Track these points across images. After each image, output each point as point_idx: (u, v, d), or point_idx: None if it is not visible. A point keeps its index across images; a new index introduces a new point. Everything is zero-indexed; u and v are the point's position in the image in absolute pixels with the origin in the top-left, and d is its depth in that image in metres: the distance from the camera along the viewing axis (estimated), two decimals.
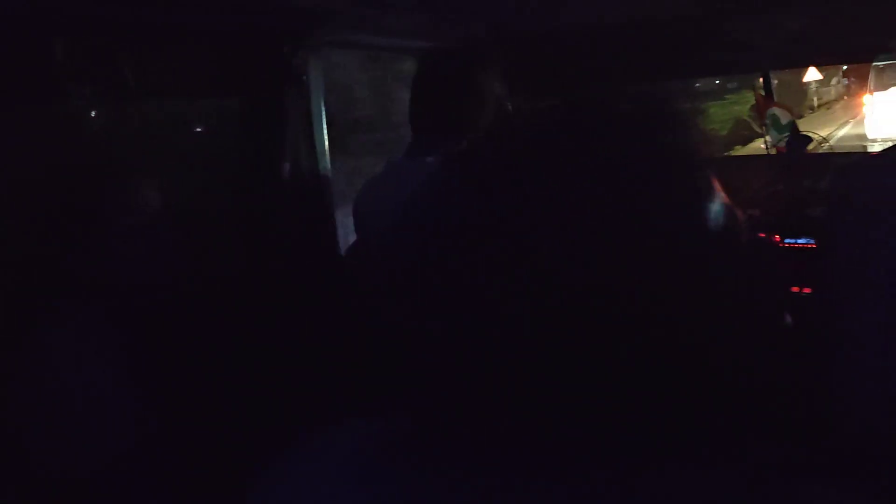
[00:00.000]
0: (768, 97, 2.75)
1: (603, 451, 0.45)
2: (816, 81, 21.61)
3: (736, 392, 0.47)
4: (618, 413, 0.44)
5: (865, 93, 12.33)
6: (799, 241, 2.25)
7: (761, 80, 2.80)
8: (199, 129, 2.16)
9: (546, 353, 0.44)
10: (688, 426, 0.46)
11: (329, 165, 1.92)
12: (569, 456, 0.45)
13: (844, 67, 19.11)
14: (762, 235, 2.28)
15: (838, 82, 25.56)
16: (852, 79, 24.38)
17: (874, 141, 11.13)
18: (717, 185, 0.51)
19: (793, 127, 2.63)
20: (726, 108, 14.38)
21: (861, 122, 13.13)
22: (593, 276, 0.43)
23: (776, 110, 2.65)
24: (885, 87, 11.59)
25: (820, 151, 2.78)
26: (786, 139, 2.61)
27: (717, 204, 0.49)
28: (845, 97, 24.56)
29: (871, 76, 11.84)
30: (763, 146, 2.78)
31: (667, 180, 0.47)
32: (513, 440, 0.46)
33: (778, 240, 2.29)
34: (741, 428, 0.48)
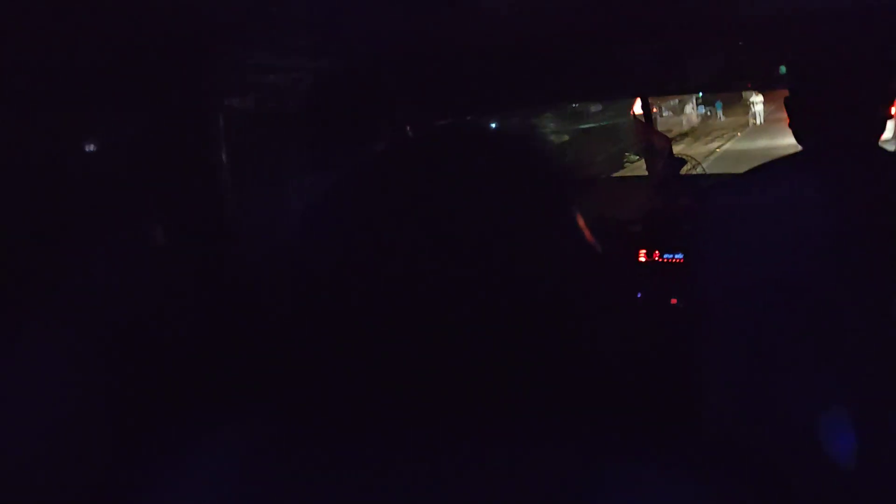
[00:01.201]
0: (647, 122, 2.95)
1: (471, 442, 0.50)
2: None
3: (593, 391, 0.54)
4: (483, 405, 0.50)
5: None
6: (676, 256, 2.44)
7: (639, 104, 2.99)
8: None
9: (410, 354, 0.49)
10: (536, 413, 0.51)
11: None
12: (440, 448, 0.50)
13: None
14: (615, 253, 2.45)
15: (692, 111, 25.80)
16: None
17: None
18: (567, 208, 0.56)
19: (667, 151, 2.82)
20: (610, 131, 15.04)
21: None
22: (455, 288, 0.48)
23: (653, 136, 2.85)
24: None
25: (693, 173, 3.01)
26: (663, 162, 2.81)
27: (566, 224, 0.55)
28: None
29: None
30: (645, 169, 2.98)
31: (519, 203, 0.53)
32: (378, 435, 0.50)
33: (657, 255, 2.46)
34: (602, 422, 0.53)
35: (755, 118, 21.99)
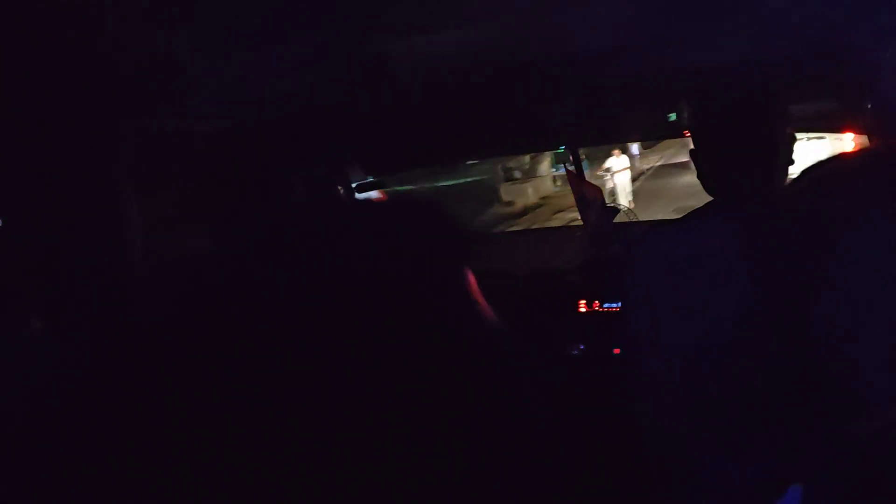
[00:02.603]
0: (579, 174, 2.99)
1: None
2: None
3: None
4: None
5: None
6: (615, 304, 2.45)
7: (571, 157, 3.04)
8: None
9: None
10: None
11: None
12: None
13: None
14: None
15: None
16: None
17: None
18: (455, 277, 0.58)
19: (599, 201, 2.87)
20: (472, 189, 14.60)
21: None
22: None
23: (584, 186, 2.89)
24: None
25: (626, 221, 3.07)
26: (596, 212, 2.85)
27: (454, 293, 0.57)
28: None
29: None
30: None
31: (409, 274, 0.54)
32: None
33: (597, 305, 2.47)
34: None
35: (615, 195, 14.43)
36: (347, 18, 1.43)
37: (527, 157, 17.11)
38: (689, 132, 1.49)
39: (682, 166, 17.08)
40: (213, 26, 1.37)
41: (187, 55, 1.51)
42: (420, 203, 0.61)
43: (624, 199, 13.91)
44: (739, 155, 1.36)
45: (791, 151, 1.41)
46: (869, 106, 1.93)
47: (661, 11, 1.53)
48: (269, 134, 1.68)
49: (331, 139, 2.50)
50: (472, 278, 0.58)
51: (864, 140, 2.05)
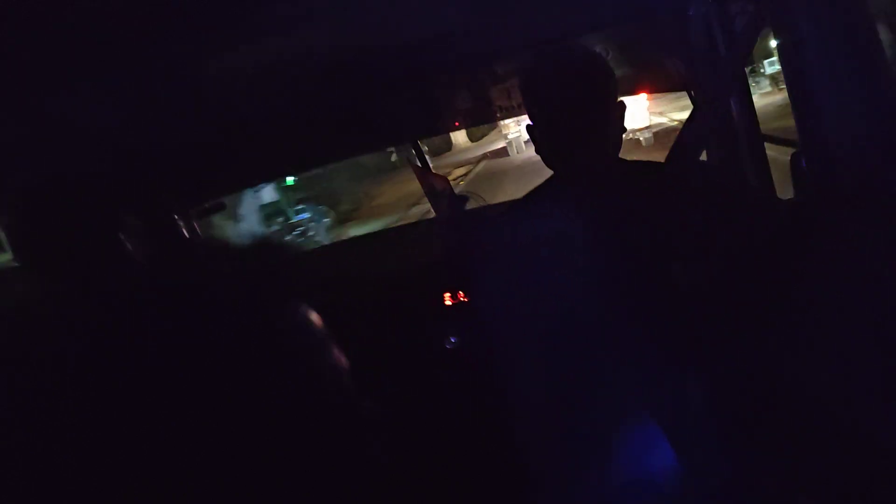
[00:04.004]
0: (424, 167, 2.96)
1: None
2: None
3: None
4: None
5: None
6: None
7: (413, 151, 3.01)
8: None
9: None
10: None
11: None
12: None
13: None
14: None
15: None
16: None
17: None
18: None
19: (448, 191, 2.85)
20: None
21: None
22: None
23: (431, 178, 2.86)
24: None
25: (476, 207, 3.06)
26: (446, 202, 2.82)
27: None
28: None
29: None
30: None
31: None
32: None
33: (461, 295, 2.45)
34: None
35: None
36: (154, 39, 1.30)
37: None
38: (525, 107, 1.47)
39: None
40: None
41: None
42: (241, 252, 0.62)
43: None
44: (573, 127, 1.36)
45: (623, 119, 1.42)
46: (683, 64, 2.01)
47: None
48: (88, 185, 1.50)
49: (153, 174, 2.31)
50: (313, 318, 0.59)
51: (682, 98, 2.15)
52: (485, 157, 25.34)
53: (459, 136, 29.25)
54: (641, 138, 16.23)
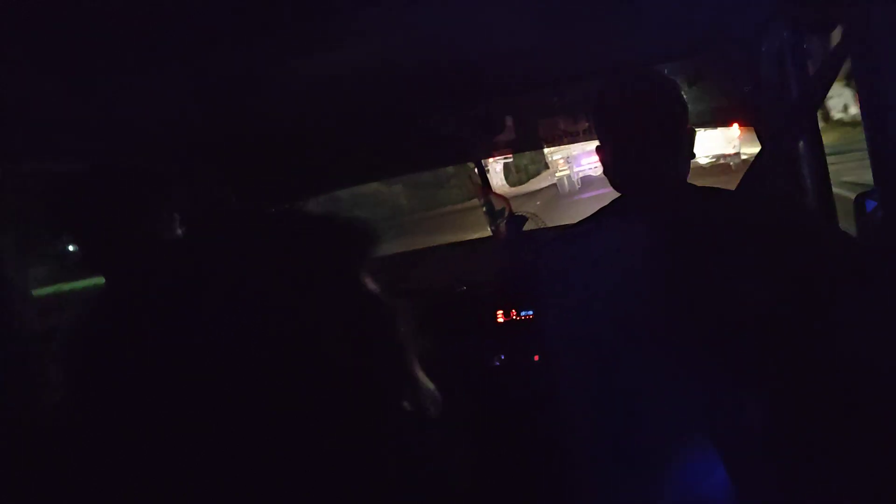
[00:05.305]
0: (485, 185, 2.99)
1: None
2: None
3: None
4: None
5: None
6: (529, 312, 2.44)
7: (476, 169, 3.04)
8: None
9: None
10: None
11: None
12: None
13: None
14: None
15: None
16: None
17: None
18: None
19: (507, 211, 2.88)
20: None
21: None
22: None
23: (491, 197, 2.90)
24: None
25: (535, 228, 3.08)
26: (503, 222, 2.85)
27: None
28: None
29: None
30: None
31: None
32: None
33: (514, 314, 2.46)
34: None
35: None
36: (223, 44, 1.38)
37: None
38: (594, 129, 1.51)
39: None
40: (71, 59, 1.28)
41: (48, 92, 1.42)
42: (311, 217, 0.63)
43: None
44: (643, 149, 1.38)
45: (692, 145, 1.44)
46: (753, 99, 2.00)
47: (550, 15, 1.55)
48: (138, 171, 1.60)
49: (210, 171, 2.42)
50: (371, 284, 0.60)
51: (750, 131, 2.14)
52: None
53: (497, 180, 24.32)
54: (731, 164, 16.33)
